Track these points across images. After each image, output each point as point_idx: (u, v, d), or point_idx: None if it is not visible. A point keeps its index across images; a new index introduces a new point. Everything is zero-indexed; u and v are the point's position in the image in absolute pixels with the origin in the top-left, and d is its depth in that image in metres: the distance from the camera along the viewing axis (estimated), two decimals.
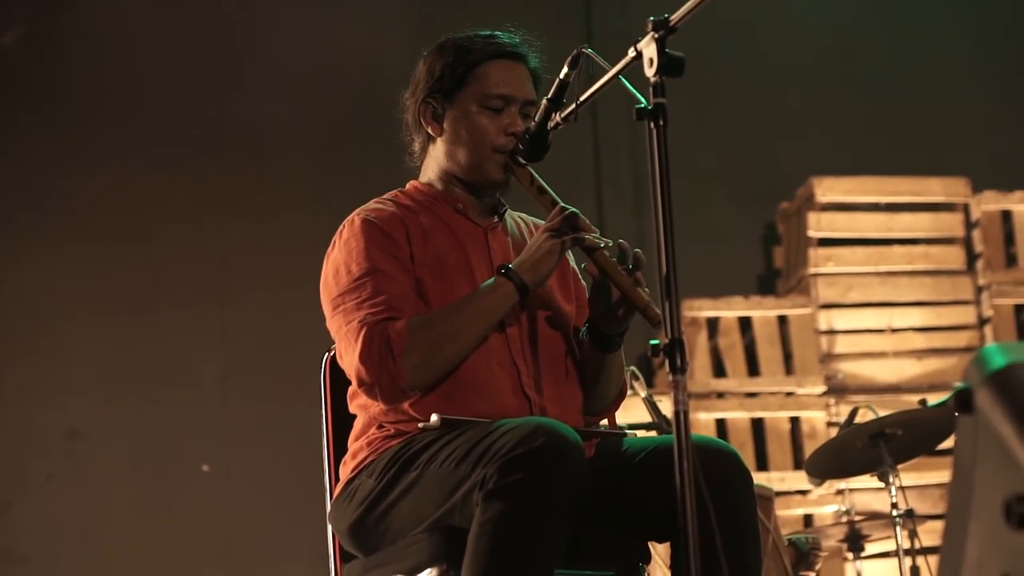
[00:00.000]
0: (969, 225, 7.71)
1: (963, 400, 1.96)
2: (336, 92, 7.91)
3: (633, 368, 4.71)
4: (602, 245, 3.23)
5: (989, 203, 7.67)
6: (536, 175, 3.36)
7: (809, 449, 6.77)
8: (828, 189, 7.62)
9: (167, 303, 7.46)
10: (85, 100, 7.65)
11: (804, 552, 5.09)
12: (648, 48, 2.71)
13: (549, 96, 3.22)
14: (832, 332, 7.49)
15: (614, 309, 3.31)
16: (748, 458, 7.02)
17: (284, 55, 7.93)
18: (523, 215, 3.64)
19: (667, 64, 2.69)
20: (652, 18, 2.71)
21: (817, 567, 5.15)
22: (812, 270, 7.53)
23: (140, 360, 7.37)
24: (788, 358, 7.44)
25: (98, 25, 7.74)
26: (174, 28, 7.84)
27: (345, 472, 3.35)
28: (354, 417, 3.41)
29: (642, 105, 2.69)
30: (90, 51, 7.72)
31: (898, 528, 5.11)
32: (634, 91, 2.81)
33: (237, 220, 7.62)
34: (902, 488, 5.16)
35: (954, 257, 7.67)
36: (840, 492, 6.91)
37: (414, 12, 8.03)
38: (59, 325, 7.35)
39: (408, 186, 3.55)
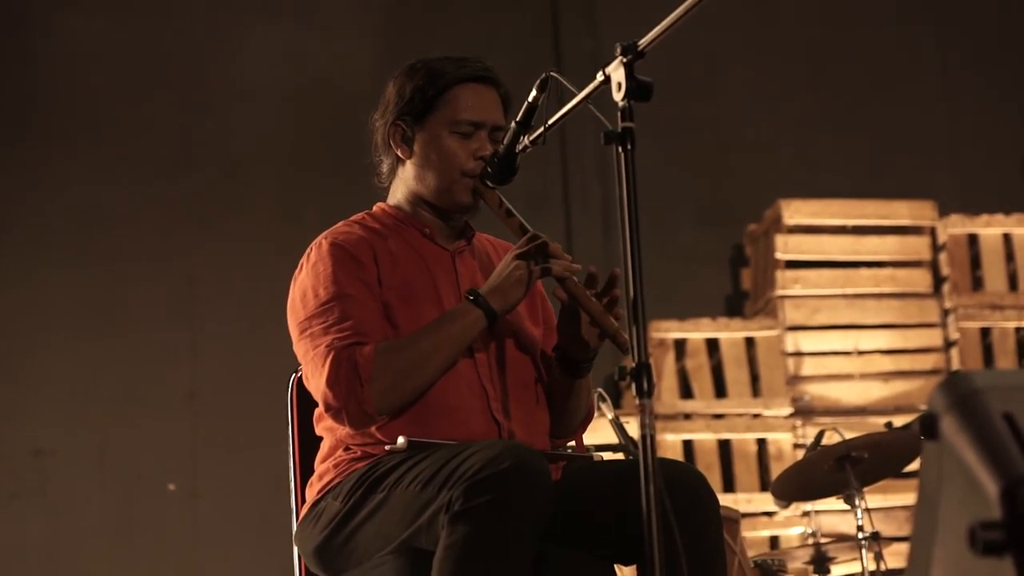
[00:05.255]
0: (936, 248, 7.74)
1: (928, 426, 1.97)
2: (304, 111, 7.90)
3: (600, 390, 4.70)
4: (571, 273, 3.24)
5: (955, 227, 7.69)
6: (504, 199, 3.37)
7: (776, 471, 6.78)
8: (795, 211, 7.64)
9: (135, 322, 7.43)
10: (52, 118, 7.62)
11: (770, 574, 5.09)
12: (616, 72, 2.72)
13: (518, 119, 3.22)
14: (799, 354, 7.50)
15: (583, 334, 3.32)
16: (715, 479, 7.02)
17: (252, 74, 7.91)
18: (491, 238, 3.64)
19: (635, 89, 2.70)
20: (621, 43, 2.72)
21: None
22: (779, 292, 7.54)
23: (107, 379, 7.34)
24: (755, 380, 7.45)
25: (65, 44, 7.71)
26: (141, 47, 7.81)
27: (311, 494, 3.34)
28: (321, 438, 3.41)
29: (610, 130, 2.70)
30: (57, 70, 7.69)
31: (864, 550, 5.12)
32: (601, 117, 2.81)
33: (205, 239, 7.60)
34: (868, 510, 5.16)
35: (920, 280, 7.70)
36: (806, 514, 6.92)
37: (381, 32, 8.03)
38: (25, 343, 7.32)
39: (375, 208, 3.54)
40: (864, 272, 7.66)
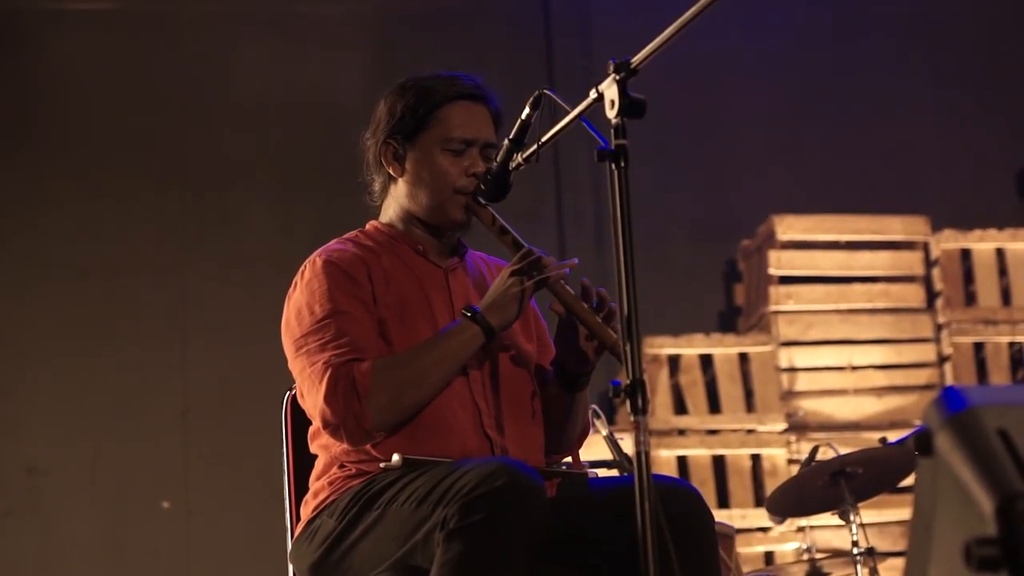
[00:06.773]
0: (929, 263, 7.74)
1: (923, 442, 1.97)
2: (297, 127, 7.90)
3: (594, 406, 4.70)
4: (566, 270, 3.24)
5: (948, 242, 7.70)
6: (497, 216, 3.36)
7: (770, 486, 6.78)
8: (789, 227, 7.64)
9: (127, 338, 7.43)
10: (46, 135, 7.63)
11: None
12: (609, 90, 2.72)
13: (511, 136, 3.21)
14: (793, 369, 7.50)
15: (581, 347, 3.31)
16: (709, 495, 7.02)
17: (245, 90, 7.92)
18: (484, 255, 3.64)
19: (628, 106, 2.69)
20: (614, 60, 2.72)
21: None
22: (773, 307, 7.54)
23: (100, 395, 7.34)
24: (749, 395, 7.44)
25: (58, 60, 7.72)
26: (134, 63, 7.82)
27: (306, 511, 3.33)
28: (316, 456, 3.40)
29: (603, 147, 2.69)
30: (50, 86, 7.70)
31: (859, 566, 5.12)
32: (596, 133, 2.81)
33: (198, 255, 7.61)
34: (863, 525, 5.16)
35: (914, 295, 7.70)
36: (801, 530, 6.90)
37: (375, 48, 8.03)
38: (18, 360, 7.31)
39: (368, 226, 3.54)
40: (857, 287, 7.66)
